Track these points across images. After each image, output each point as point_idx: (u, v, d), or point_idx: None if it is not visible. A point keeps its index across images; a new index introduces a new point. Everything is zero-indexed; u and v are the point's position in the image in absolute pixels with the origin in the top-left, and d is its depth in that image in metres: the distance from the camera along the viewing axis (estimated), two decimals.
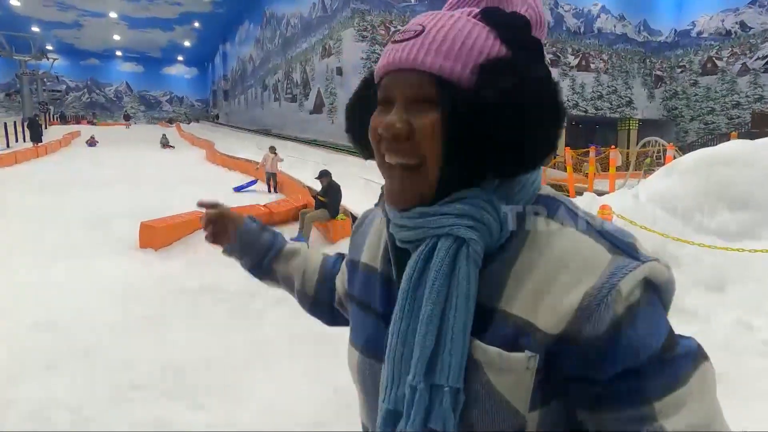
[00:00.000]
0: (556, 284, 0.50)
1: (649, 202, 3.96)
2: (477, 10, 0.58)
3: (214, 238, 0.93)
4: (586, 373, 0.51)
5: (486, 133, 0.52)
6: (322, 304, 0.89)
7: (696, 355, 0.52)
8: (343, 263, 0.81)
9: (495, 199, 0.55)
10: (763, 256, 3.28)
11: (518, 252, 0.53)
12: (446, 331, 0.52)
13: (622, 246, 0.52)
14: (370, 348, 0.64)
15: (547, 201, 0.57)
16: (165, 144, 23.13)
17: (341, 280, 0.82)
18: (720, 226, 3.81)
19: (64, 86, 47.49)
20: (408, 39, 0.55)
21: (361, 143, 0.65)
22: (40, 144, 18.74)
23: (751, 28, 25.43)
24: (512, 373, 0.51)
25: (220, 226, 0.92)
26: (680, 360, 0.51)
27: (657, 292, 0.52)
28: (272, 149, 11.81)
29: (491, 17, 0.56)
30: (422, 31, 0.55)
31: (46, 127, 26.09)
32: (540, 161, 0.55)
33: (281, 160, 11.94)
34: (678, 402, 0.49)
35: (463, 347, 0.52)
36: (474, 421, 0.53)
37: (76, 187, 10.43)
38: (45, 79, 35.78)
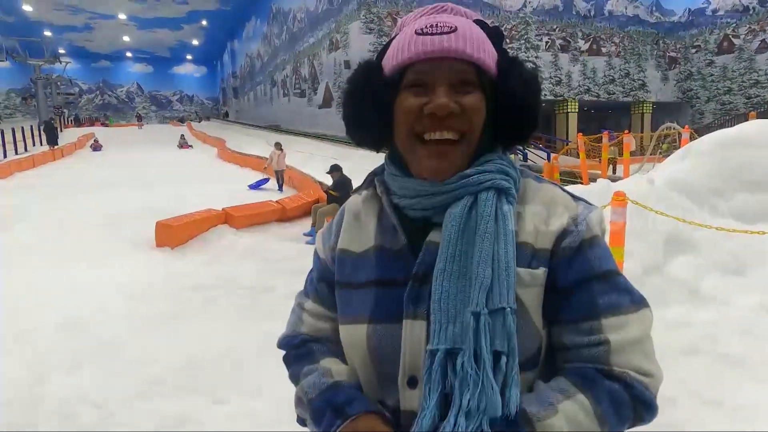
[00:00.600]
0: (548, 218, 0.68)
1: (664, 187, 3.90)
2: (471, 20, 0.71)
3: None
4: (554, 279, 0.66)
5: (513, 111, 0.68)
6: None
7: (639, 299, 0.67)
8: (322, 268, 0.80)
9: (510, 159, 0.71)
10: None
11: (520, 201, 0.70)
12: (499, 262, 0.62)
13: (579, 198, 0.72)
14: (380, 314, 0.68)
15: (521, 168, 0.75)
16: (183, 144, 22.79)
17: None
18: (738, 209, 3.74)
19: (77, 89, 48.10)
20: (445, 33, 0.65)
21: (363, 129, 0.72)
22: (56, 147, 19.08)
23: None
24: (534, 288, 0.65)
25: None
26: (624, 294, 0.66)
27: (601, 240, 0.69)
28: (278, 145, 11.63)
29: (485, 27, 0.71)
30: (456, 29, 0.66)
31: (61, 130, 26.51)
32: (533, 133, 0.73)
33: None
34: (620, 324, 0.64)
35: (513, 274, 0.63)
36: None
37: (92, 188, 10.61)
38: (59, 83, 36.32)
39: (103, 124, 37.53)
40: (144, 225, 6.32)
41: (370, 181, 0.78)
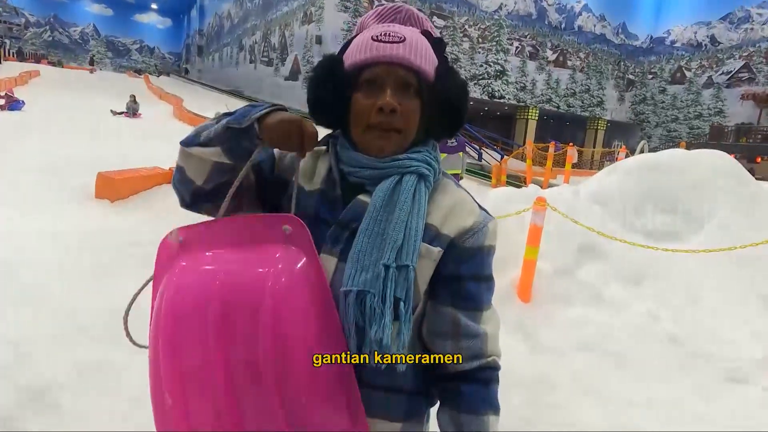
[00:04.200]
0: (457, 213, 0.85)
1: (587, 198, 4.26)
2: (419, 30, 0.89)
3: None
4: (452, 270, 0.84)
5: (444, 112, 0.86)
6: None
7: (492, 301, 0.90)
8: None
9: (436, 155, 0.89)
10: (678, 256, 3.62)
11: (435, 192, 0.87)
12: (410, 230, 0.79)
13: (482, 208, 0.90)
14: None
15: (445, 173, 0.92)
16: (132, 110, 15.44)
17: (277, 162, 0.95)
18: (647, 227, 4.14)
19: (23, 20, 44.61)
20: (395, 42, 0.83)
21: (324, 112, 0.88)
22: None
23: (720, 43, 26.43)
24: (428, 260, 0.83)
25: None
26: (491, 294, 0.89)
27: (494, 249, 0.89)
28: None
29: (430, 37, 0.89)
30: (404, 40, 0.83)
31: (0, 62, 24.59)
32: (459, 130, 0.92)
33: None
34: (489, 316, 0.88)
35: (418, 243, 0.79)
36: None
37: (32, 130, 10.05)
38: (1, 10, 33.51)
39: (51, 63, 35.03)
40: (84, 175, 6.13)
41: (326, 142, 0.93)
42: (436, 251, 0.83)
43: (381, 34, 0.84)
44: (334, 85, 0.85)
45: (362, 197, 0.84)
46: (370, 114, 0.82)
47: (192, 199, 0.91)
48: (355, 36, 0.89)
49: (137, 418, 2.13)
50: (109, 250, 4.38)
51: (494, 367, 0.86)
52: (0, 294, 3.19)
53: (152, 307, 0.82)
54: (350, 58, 0.86)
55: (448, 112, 0.87)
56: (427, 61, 0.85)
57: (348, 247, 0.80)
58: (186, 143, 0.86)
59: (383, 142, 0.83)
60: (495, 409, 0.85)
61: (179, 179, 0.90)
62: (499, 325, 0.89)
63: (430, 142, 0.89)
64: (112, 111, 15.02)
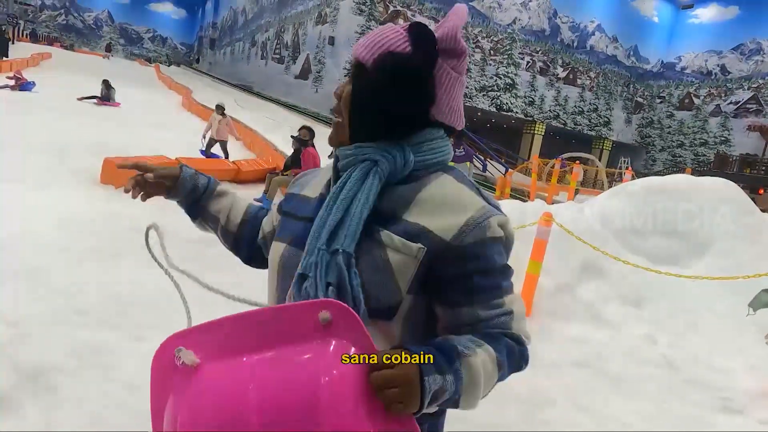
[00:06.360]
0: (448, 209, 0.78)
1: (592, 217, 4.27)
2: (407, 24, 0.83)
3: (146, 197, 1.09)
4: (457, 270, 0.77)
5: (373, 102, 0.80)
6: (243, 240, 1.08)
7: (515, 293, 0.84)
8: (274, 206, 1.01)
9: (404, 146, 0.81)
10: (679, 280, 3.63)
11: (423, 186, 0.81)
12: (350, 215, 0.77)
13: (491, 202, 0.83)
14: (296, 241, 0.85)
15: (449, 167, 0.86)
16: (103, 96, 13.42)
17: (269, 220, 1.03)
18: (650, 250, 4.15)
19: (39, 1, 44.75)
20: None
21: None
22: (4, 59, 17.77)
23: (729, 73, 26.51)
24: (405, 256, 0.77)
25: (154, 186, 1.07)
26: (511, 285, 0.83)
27: (503, 240, 0.81)
28: (220, 109, 9.18)
29: (411, 27, 0.82)
30: (364, 35, 0.85)
31: (12, 42, 24.61)
32: (401, 133, 0.81)
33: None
34: (513, 300, 0.82)
35: (358, 227, 0.76)
36: (368, 285, 0.76)
37: (42, 111, 10.06)
38: None
39: (64, 47, 35.07)
40: (91, 159, 6.14)
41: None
42: (416, 248, 0.76)
43: None
44: None
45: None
46: None
47: (243, 258, 1.12)
48: None
49: (132, 403, 2.13)
50: (111, 235, 4.38)
51: (521, 343, 0.81)
52: (2, 273, 3.18)
53: None
54: None
55: (374, 104, 0.79)
56: (370, 48, 0.80)
57: None
58: None
59: (332, 133, 0.86)
60: (494, 358, 0.75)
61: None
62: (524, 310, 0.85)
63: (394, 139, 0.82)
64: (99, 95, 13.49)
